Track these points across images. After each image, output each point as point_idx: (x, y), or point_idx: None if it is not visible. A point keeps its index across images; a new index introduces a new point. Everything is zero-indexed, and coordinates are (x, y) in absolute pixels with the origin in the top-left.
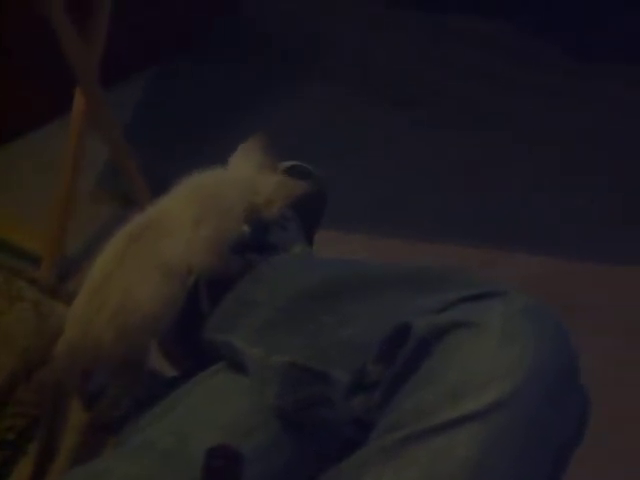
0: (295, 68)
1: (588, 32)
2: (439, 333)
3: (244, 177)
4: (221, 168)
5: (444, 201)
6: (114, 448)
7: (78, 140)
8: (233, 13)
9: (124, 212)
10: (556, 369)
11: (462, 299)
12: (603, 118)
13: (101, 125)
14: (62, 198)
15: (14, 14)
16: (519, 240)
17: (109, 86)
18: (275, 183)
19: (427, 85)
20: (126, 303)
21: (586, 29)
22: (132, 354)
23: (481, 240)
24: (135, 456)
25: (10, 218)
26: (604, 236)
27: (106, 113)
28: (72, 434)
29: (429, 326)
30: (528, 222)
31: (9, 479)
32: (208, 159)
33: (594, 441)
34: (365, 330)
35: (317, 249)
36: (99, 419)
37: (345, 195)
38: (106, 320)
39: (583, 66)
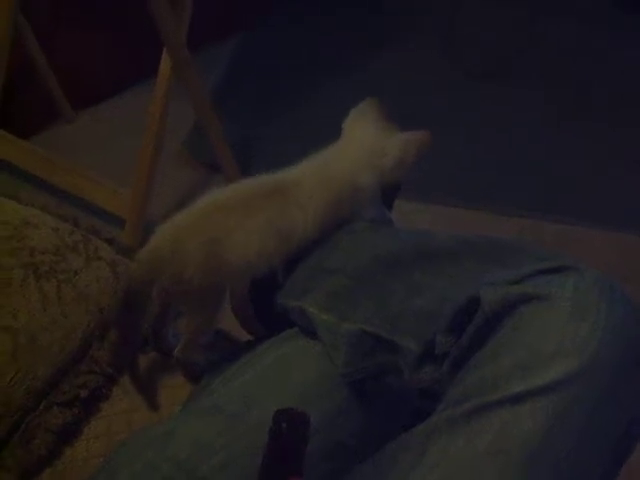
0: (381, 37)
1: None
2: (510, 306)
3: (369, 142)
4: (338, 137)
5: (523, 176)
6: (183, 407)
7: (163, 103)
8: None
9: (208, 177)
10: (625, 346)
11: (534, 273)
12: None
13: (187, 88)
14: (146, 161)
15: None
16: (597, 218)
17: (197, 50)
18: (402, 142)
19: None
20: (227, 238)
21: None
22: (212, 287)
23: (558, 216)
24: (203, 418)
25: (95, 179)
26: None
27: (192, 76)
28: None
29: (500, 298)
30: (607, 201)
31: (81, 437)
32: (294, 125)
33: None
34: (436, 300)
35: (396, 220)
36: (180, 362)
37: (424, 166)
38: (200, 243)
39: None
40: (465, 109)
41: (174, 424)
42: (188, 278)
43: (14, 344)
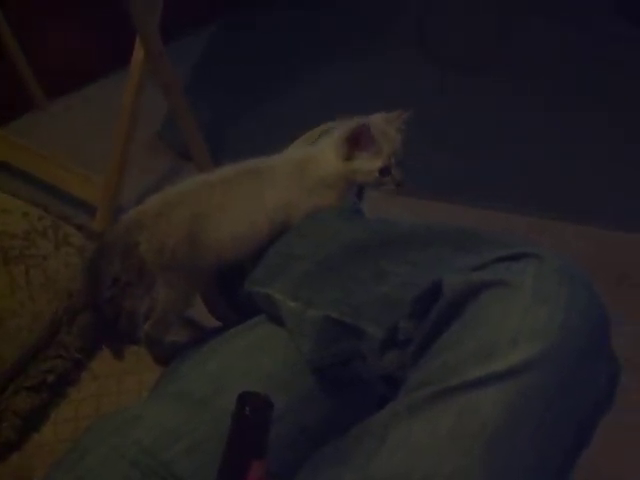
0: (359, 27)
1: None
2: (471, 292)
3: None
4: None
5: (497, 167)
6: (151, 393)
7: (136, 91)
8: None
9: (180, 165)
10: (586, 332)
11: (496, 259)
12: None
13: (160, 77)
14: (119, 149)
15: None
16: (571, 209)
17: (170, 39)
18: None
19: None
20: (211, 215)
21: None
22: (193, 264)
23: (531, 208)
24: (170, 404)
25: (67, 167)
26: None
27: (165, 65)
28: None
29: (462, 284)
30: (580, 192)
31: (48, 421)
32: (266, 116)
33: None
34: (400, 287)
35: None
36: (148, 339)
37: None
38: (185, 216)
39: None
40: (436, 102)
41: (141, 409)
42: (170, 249)
43: None
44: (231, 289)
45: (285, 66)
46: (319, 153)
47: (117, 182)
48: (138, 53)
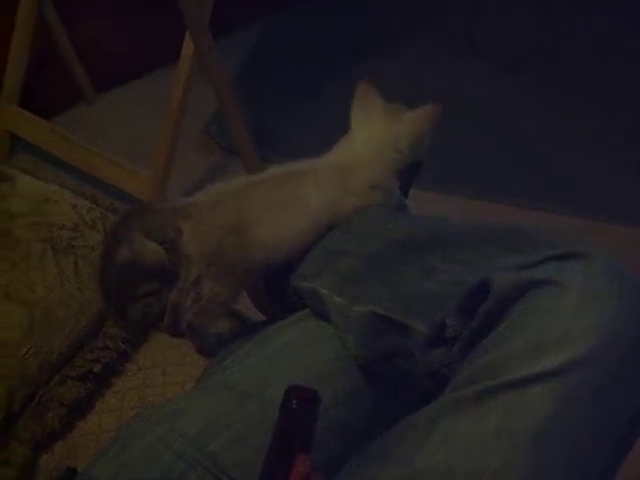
0: (406, 24)
1: None
2: (520, 290)
3: (379, 133)
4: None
5: (539, 168)
6: (196, 384)
7: (185, 86)
8: None
9: (227, 161)
10: (634, 332)
11: (544, 258)
12: None
13: (209, 72)
14: (167, 144)
15: None
16: (613, 211)
17: (221, 35)
18: (412, 121)
19: (533, 49)
20: (260, 217)
21: None
22: (239, 258)
23: (580, 210)
24: (214, 396)
25: (115, 161)
26: None
27: (214, 62)
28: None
29: (510, 283)
30: (630, 195)
31: (93, 411)
32: (316, 112)
33: None
34: (448, 284)
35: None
36: (191, 328)
37: (443, 157)
38: (235, 212)
39: None
40: (485, 100)
41: (186, 401)
42: (215, 242)
43: (30, 317)
44: (277, 283)
45: (332, 64)
46: (363, 160)
47: (164, 177)
48: (187, 48)
